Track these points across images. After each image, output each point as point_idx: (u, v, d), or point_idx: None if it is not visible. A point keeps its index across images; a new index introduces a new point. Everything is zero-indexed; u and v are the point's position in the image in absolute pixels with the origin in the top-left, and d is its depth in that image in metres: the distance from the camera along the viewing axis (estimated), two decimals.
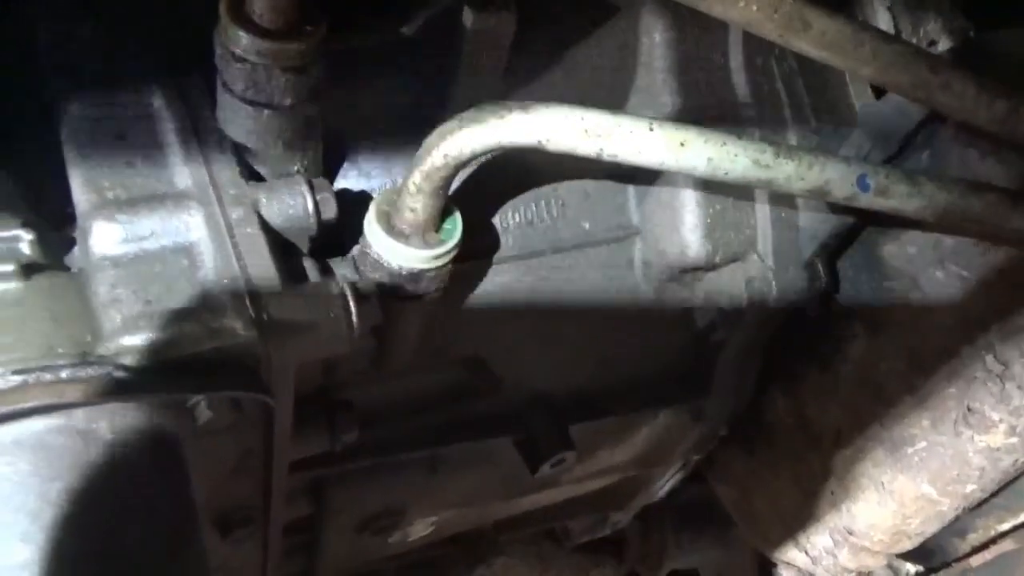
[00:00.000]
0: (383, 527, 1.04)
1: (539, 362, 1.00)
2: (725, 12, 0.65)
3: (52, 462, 0.52)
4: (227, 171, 0.71)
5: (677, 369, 1.06)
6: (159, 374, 0.57)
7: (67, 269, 0.64)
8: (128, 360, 0.57)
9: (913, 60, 0.72)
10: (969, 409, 0.96)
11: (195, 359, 0.59)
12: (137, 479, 0.56)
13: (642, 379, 1.06)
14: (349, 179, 0.86)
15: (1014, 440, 0.95)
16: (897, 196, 0.73)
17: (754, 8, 0.65)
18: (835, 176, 0.71)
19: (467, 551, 1.32)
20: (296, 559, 1.11)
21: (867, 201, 0.73)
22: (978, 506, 1.16)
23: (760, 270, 0.94)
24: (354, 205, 0.78)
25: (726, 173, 0.69)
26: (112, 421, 0.55)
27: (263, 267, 0.65)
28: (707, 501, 1.57)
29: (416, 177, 0.70)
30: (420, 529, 1.10)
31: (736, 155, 0.68)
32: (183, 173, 0.70)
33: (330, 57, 0.70)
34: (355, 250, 0.79)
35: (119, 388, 0.53)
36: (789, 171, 0.70)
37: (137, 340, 0.58)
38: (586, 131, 0.66)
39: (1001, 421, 0.94)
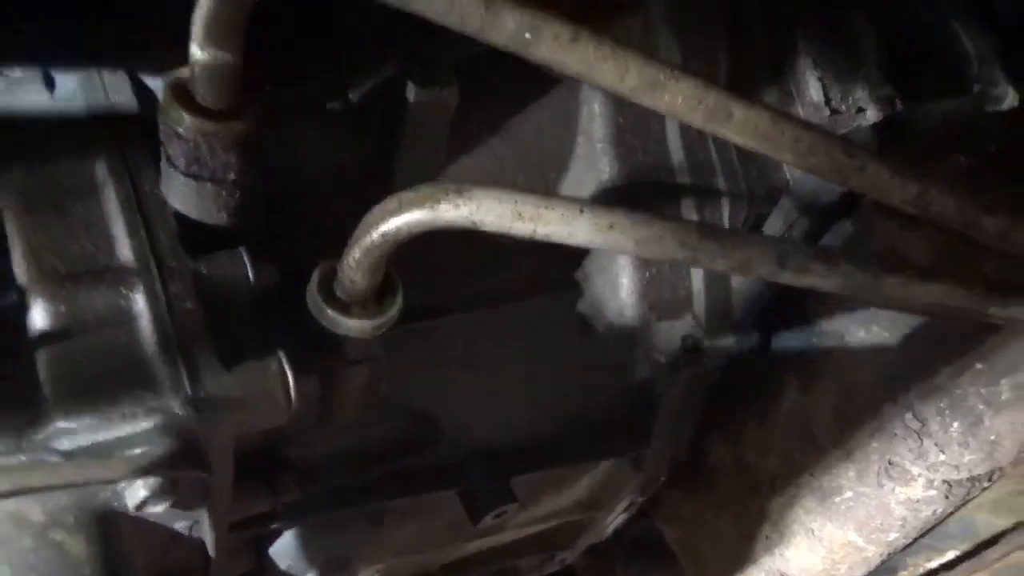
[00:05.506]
0: None
1: (481, 414, 1.02)
2: (654, 103, 0.69)
3: None
4: (168, 243, 0.72)
5: (617, 420, 1.09)
6: (93, 456, 0.58)
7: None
8: (63, 444, 0.57)
9: (830, 146, 0.76)
10: (890, 463, 1.00)
11: (131, 438, 0.61)
12: (70, 562, 0.57)
13: (583, 430, 1.09)
14: (293, 242, 0.87)
15: (932, 492, 1.00)
16: (814, 274, 0.77)
17: (679, 100, 0.69)
18: (755, 255, 0.75)
19: None
20: None
21: (787, 278, 0.77)
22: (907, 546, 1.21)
23: (694, 329, 0.98)
24: (297, 270, 0.80)
25: (653, 252, 0.72)
26: (45, 505, 0.56)
27: (201, 343, 0.66)
28: (656, 536, 1.61)
29: (356, 253, 0.72)
30: None
31: (662, 236, 0.72)
32: (124, 246, 0.71)
33: (275, 117, 0.72)
34: (297, 317, 0.81)
35: (51, 476, 0.54)
36: (713, 250, 0.74)
37: (72, 423, 0.59)
38: (520, 214, 0.68)
39: (920, 475, 0.99)
